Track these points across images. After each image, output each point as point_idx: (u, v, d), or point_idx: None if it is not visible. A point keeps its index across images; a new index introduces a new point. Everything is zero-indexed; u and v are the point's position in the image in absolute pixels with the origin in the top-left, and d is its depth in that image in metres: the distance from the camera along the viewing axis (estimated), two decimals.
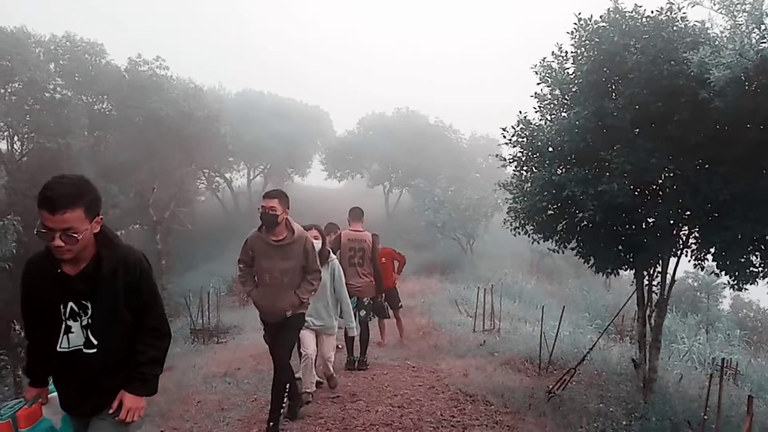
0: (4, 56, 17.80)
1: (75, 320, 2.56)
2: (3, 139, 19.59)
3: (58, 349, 2.57)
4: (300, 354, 6.26)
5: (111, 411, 2.64)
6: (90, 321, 2.57)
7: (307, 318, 5.63)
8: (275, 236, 4.97)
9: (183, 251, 25.90)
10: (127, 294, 2.63)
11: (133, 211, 23.36)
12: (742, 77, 4.96)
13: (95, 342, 2.58)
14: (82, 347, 2.58)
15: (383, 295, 8.61)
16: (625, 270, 7.01)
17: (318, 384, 6.47)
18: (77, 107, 19.39)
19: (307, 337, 6.02)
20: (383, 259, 9.41)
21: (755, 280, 5.95)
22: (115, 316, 2.62)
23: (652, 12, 5.94)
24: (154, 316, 2.79)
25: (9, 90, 18.40)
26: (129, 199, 22.17)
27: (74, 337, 2.57)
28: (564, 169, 6.45)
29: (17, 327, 10.30)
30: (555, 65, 6.61)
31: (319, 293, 5.71)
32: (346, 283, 7.48)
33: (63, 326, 2.57)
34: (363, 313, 7.90)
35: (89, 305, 2.56)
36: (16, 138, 19.43)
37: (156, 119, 21.09)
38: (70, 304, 2.55)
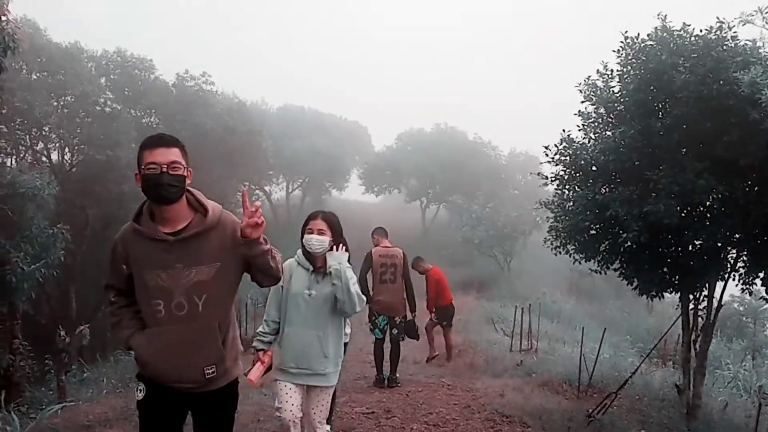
0: (58, 71, 18.54)
1: None
2: (55, 150, 20.36)
3: None
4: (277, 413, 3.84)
5: None
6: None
7: (286, 361, 3.72)
8: (170, 224, 2.62)
9: None
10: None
11: None
12: None
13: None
14: None
15: (415, 313, 8.35)
16: (670, 293, 6.85)
17: None
18: (126, 120, 20.00)
19: (287, 392, 3.73)
20: (436, 277, 9.76)
21: None
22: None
23: (701, 30, 5.85)
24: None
25: (62, 103, 19.13)
26: None
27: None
28: (608, 189, 6.36)
29: (63, 333, 10.61)
30: (600, 83, 6.56)
31: (310, 318, 3.70)
32: (376, 299, 7.47)
33: None
34: (395, 331, 7.70)
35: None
36: (66, 149, 20.16)
37: (201, 133, 21.59)
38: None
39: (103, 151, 18.27)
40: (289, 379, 3.75)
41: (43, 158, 19.67)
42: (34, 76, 18.45)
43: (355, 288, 3.69)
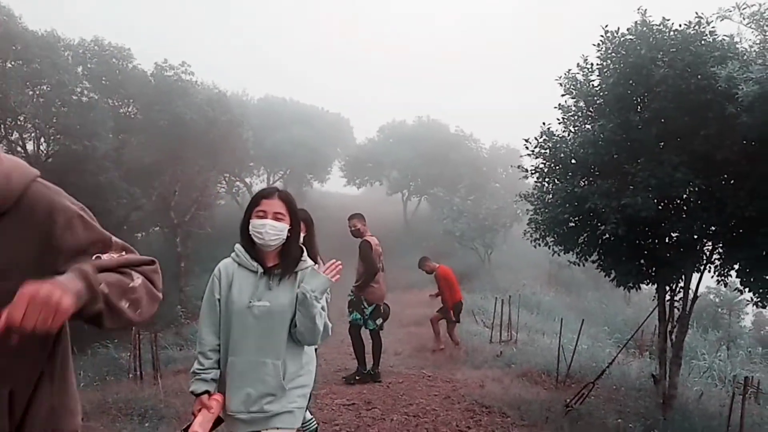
0: (33, 59, 18.13)
1: None
2: (30, 140, 19.96)
3: None
4: None
5: None
6: None
7: (234, 405, 2.73)
8: None
9: (202, 254, 26.15)
10: None
11: (154, 213, 23.63)
12: None
13: None
14: None
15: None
16: (647, 284, 6.95)
17: None
18: (103, 110, 19.67)
19: None
20: (444, 275, 9.67)
21: None
22: None
23: (680, 25, 5.91)
24: None
25: (37, 92, 18.74)
26: (151, 201, 22.43)
27: None
28: (587, 182, 6.42)
29: None
30: (580, 77, 6.60)
31: (261, 338, 2.71)
32: (372, 288, 7.31)
33: None
34: (380, 321, 7.57)
35: None
36: (42, 139, 19.76)
37: (180, 123, 21.31)
38: None
39: (79, 141, 17.97)
40: (241, 430, 2.74)
41: (18, 148, 19.27)
42: (9, 65, 18.03)
43: (323, 320, 2.74)
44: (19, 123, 18.90)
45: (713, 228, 6.00)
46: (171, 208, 23.23)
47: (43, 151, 19.73)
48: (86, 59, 21.30)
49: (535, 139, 6.78)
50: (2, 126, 18.60)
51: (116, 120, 20.95)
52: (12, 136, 19.25)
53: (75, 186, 17.78)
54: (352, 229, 7.55)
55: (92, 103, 19.43)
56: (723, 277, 6.51)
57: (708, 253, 6.44)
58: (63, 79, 18.35)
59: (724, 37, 5.76)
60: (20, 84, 17.60)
